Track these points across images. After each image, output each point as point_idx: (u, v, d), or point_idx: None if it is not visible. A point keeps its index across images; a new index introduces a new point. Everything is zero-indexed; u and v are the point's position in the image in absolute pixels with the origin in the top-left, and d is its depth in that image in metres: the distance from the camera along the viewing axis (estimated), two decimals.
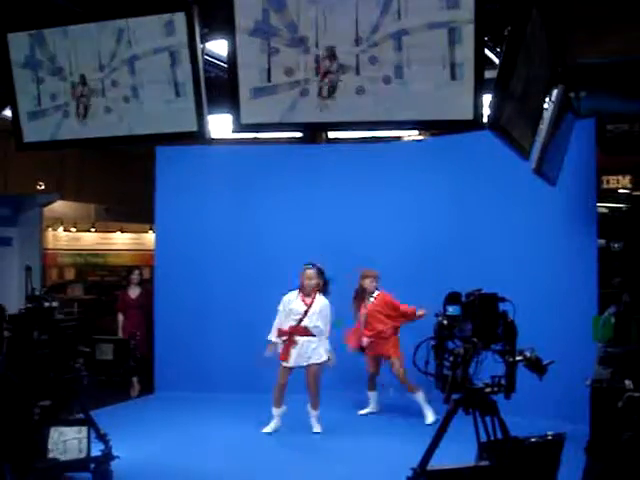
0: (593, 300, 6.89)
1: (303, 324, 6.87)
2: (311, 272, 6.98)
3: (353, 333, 7.65)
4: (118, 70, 4.89)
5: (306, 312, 6.88)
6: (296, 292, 7.03)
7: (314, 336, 6.86)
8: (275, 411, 6.92)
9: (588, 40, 5.25)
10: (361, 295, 7.68)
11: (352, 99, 4.49)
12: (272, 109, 4.57)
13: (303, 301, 6.95)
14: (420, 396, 7.19)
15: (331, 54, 4.48)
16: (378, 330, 7.48)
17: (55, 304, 4.90)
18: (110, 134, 5.16)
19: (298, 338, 6.86)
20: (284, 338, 6.90)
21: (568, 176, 6.52)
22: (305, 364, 6.83)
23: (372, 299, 7.58)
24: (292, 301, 6.98)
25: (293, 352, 6.85)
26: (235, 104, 4.58)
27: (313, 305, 6.93)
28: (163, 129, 5.03)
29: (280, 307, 7.02)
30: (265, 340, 6.95)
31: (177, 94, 4.78)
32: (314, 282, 6.96)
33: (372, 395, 7.74)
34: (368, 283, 7.58)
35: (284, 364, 6.87)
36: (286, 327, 6.91)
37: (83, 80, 5.01)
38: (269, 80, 4.53)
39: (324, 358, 6.86)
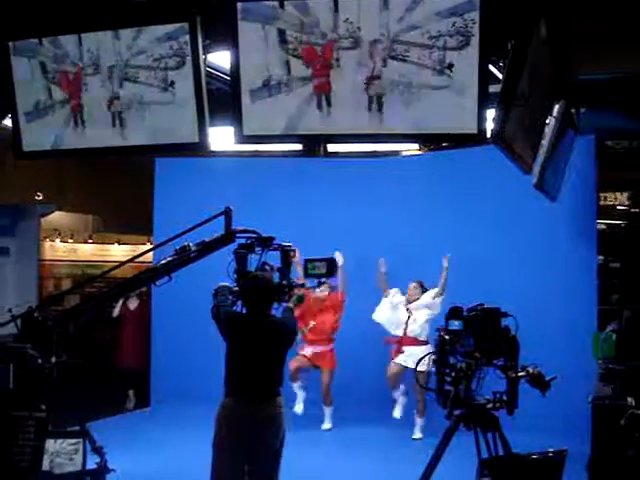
0: (593, 316, 6.87)
1: (407, 333, 7.28)
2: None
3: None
4: (119, 79, 4.86)
5: (407, 321, 7.32)
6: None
7: (423, 344, 7.15)
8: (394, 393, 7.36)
9: (590, 56, 5.25)
10: None
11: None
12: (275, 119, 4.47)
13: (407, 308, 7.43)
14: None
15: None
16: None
17: None
18: (110, 144, 5.12)
19: (405, 348, 7.22)
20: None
21: (568, 192, 6.51)
22: (412, 367, 6.80)
23: None
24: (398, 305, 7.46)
25: (400, 355, 7.22)
26: (238, 111, 4.48)
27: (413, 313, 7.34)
28: (164, 140, 5.00)
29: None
30: None
31: (178, 104, 4.74)
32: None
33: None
34: None
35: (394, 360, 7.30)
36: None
37: (84, 88, 4.98)
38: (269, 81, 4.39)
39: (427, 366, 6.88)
